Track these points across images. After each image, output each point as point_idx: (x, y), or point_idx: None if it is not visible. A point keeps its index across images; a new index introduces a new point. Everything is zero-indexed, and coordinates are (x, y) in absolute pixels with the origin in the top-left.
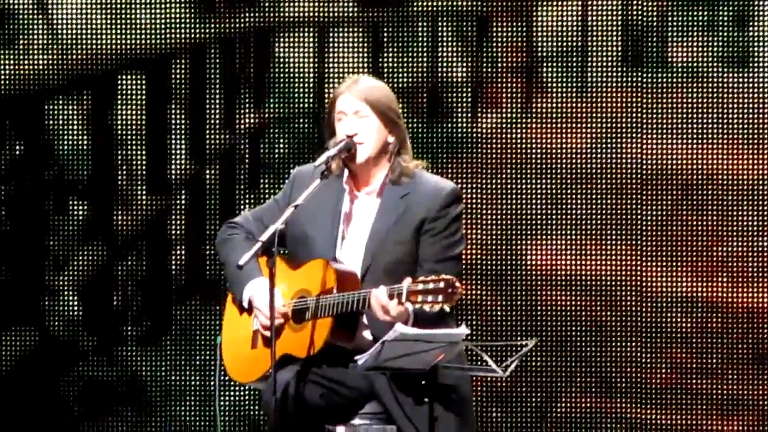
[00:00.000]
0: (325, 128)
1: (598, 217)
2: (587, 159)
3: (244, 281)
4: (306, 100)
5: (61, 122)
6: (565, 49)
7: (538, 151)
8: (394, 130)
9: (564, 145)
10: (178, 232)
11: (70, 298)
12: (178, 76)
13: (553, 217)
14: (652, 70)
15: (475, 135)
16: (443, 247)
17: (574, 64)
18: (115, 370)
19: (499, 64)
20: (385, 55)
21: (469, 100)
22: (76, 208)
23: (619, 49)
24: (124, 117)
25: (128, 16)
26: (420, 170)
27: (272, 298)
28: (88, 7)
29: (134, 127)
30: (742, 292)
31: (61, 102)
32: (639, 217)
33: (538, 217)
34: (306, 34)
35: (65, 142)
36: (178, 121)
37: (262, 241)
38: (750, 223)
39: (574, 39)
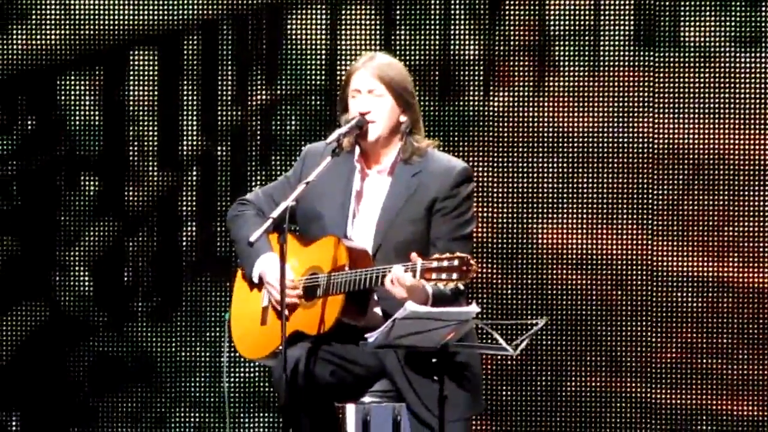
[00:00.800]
0: (338, 103)
1: (609, 196)
2: (599, 138)
3: (254, 257)
4: (318, 77)
5: (73, 98)
6: (577, 27)
7: (550, 130)
8: (407, 110)
9: (575, 125)
10: (189, 208)
11: (81, 273)
12: (190, 53)
13: (564, 196)
14: (665, 49)
15: (486, 113)
16: (455, 225)
17: (587, 43)
18: (126, 345)
19: (512, 43)
20: (398, 32)
21: (481, 78)
22: (87, 183)
23: (632, 28)
24: (135, 93)
25: None
26: (431, 149)
27: (283, 275)
28: None
29: (146, 103)
30: (752, 271)
31: (73, 77)
32: (650, 196)
33: (549, 196)
34: (318, 11)
35: (77, 118)
36: (189, 98)
37: (273, 218)
38: (760, 203)
39: (587, 18)
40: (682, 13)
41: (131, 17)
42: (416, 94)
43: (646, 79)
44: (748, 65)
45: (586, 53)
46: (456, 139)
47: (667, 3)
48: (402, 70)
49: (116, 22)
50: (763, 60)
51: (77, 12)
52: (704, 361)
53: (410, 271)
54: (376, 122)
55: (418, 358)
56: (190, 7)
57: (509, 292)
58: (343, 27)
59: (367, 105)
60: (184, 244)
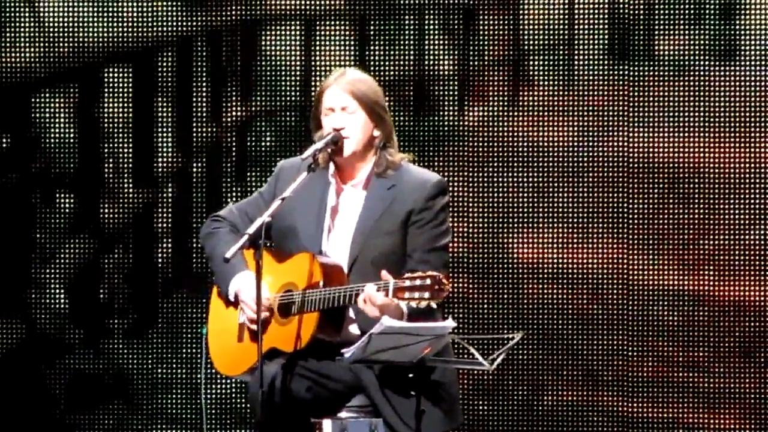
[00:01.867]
0: (311, 120)
1: (585, 209)
2: (574, 152)
3: (230, 275)
4: (293, 93)
5: (47, 115)
6: (551, 41)
7: (525, 143)
8: (380, 124)
9: (550, 138)
10: (165, 225)
11: (57, 291)
12: (164, 69)
13: (540, 209)
14: (639, 62)
15: (461, 128)
16: (431, 237)
17: (561, 57)
18: (102, 362)
19: (486, 57)
20: (372, 48)
21: (456, 93)
22: (62, 200)
23: (606, 41)
24: (110, 110)
25: (115, 8)
26: (406, 163)
27: (259, 291)
28: None
29: (121, 119)
30: (728, 285)
31: (47, 94)
32: (625, 209)
33: (525, 209)
34: (293, 27)
35: (52, 135)
36: (164, 114)
37: (249, 234)
38: (736, 216)
39: (561, 31)
40: (656, 27)
41: (106, 34)
42: (389, 108)
43: (621, 92)
44: (722, 78)
45: (561, 67)
46: (431, 153)
47: (641, 16)
48: (373, 85)
49: (91, 39)
50: (736, 73)
51: (52, 29)
52: (680, 374)
53: (382, 290)
54: (350, 138)
55: (395, 373)
56: (165, 23)
57: (485, 306)
58: (318, 43)
59: (340, 121)
60: (160, 260)
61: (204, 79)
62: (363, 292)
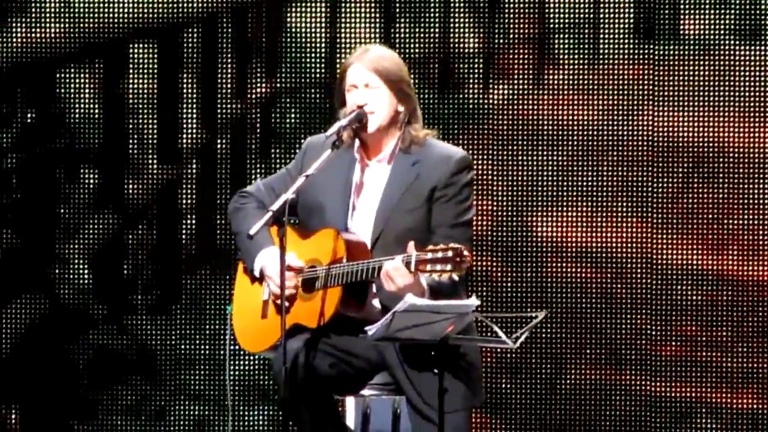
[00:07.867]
0: (335, 98)
1: (609, 189)
2: (598, 131)
3: (255, 251)
4: (317, 70)
5: (72, 91)
6: (577, 20)
7: (549, 122)
8: (404, 100)
9: (575, 117)
10: (189, 201)
11: (81, 266)
12: (189, 45)
13: (564, 189)
14: (664, 42)
15: (486, 106)
16: (456, 213)
17: (586, 36)
18: (125, 338)
19: (511, 36)
20: (397, 25)
21: (481, 71)
22: (87, 176)
23: (631, 21)
24: (135, 86)
25: None
26: (431, 139)
27: (282, 268)
28: None
29: (146, 95)
30: (752, 264)
31: (72, 70)
32: (649, 189)
33: (549, 188)
34: (318, 4)
35: (77, 111)
36: (189, 91)
37: (272, 211)
38: (760, 196)
39: (586, 11)
40: (682, 6)
41: (131, 10)
42: (413, 84)
43: (646, 71)
44: (747, 58)
45: (586, 46)
46: (455, 131)
47: None
48: (397, 61)
49: (116, 15)
50: (762, 52)
51: (77, 5)
52: (703, 354)
53: (404, 263)
54: (375, 113)
55: (418, 351)
56: None
57: (509, 284)
58: (343, 19)
59: (363, 98)
60: (184, 237)
61: (229, 55)
62: (384, 269)
